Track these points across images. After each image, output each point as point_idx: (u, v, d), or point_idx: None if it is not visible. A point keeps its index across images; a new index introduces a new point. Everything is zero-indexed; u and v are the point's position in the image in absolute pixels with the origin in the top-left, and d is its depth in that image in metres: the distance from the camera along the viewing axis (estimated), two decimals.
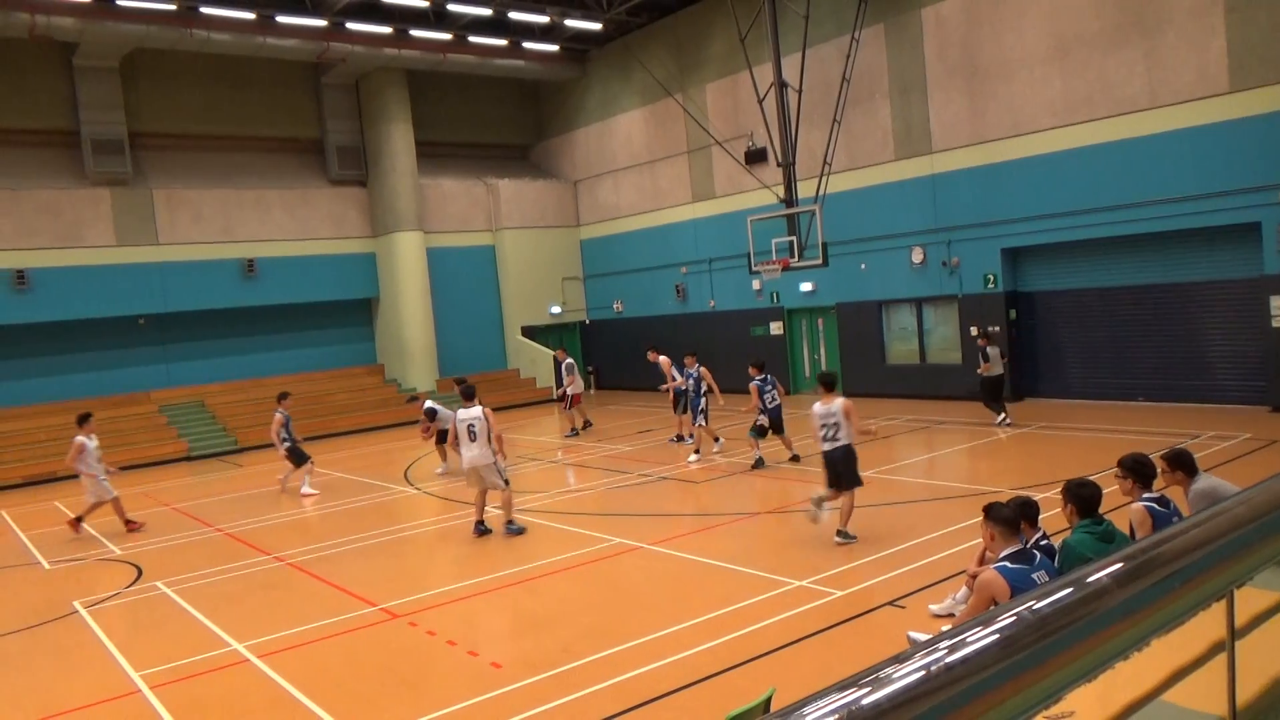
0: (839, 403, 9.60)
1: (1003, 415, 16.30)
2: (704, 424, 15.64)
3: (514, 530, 11.23)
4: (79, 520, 13.55)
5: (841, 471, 9.55)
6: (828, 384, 9.96)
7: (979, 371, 16.50)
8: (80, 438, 13.23)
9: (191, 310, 23.88)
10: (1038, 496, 6.40)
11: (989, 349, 16.35)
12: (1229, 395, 16.04)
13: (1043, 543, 5.90)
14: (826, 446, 9.56)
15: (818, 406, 9.70)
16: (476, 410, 11.16)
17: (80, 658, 8.16)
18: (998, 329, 18.26)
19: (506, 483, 11.35)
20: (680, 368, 16.63)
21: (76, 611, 9.53)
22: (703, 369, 15.83)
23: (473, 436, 11.03)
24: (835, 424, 9.50)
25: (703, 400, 15.62)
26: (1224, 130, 15.30)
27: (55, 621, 9.28)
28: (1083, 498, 5.60)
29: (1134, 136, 16.40)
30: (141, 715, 6.75)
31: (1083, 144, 17.08)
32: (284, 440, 15.42)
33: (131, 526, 13.48)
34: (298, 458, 15.44)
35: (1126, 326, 17.45)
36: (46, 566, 11.94)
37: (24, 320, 21.60)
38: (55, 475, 19.94)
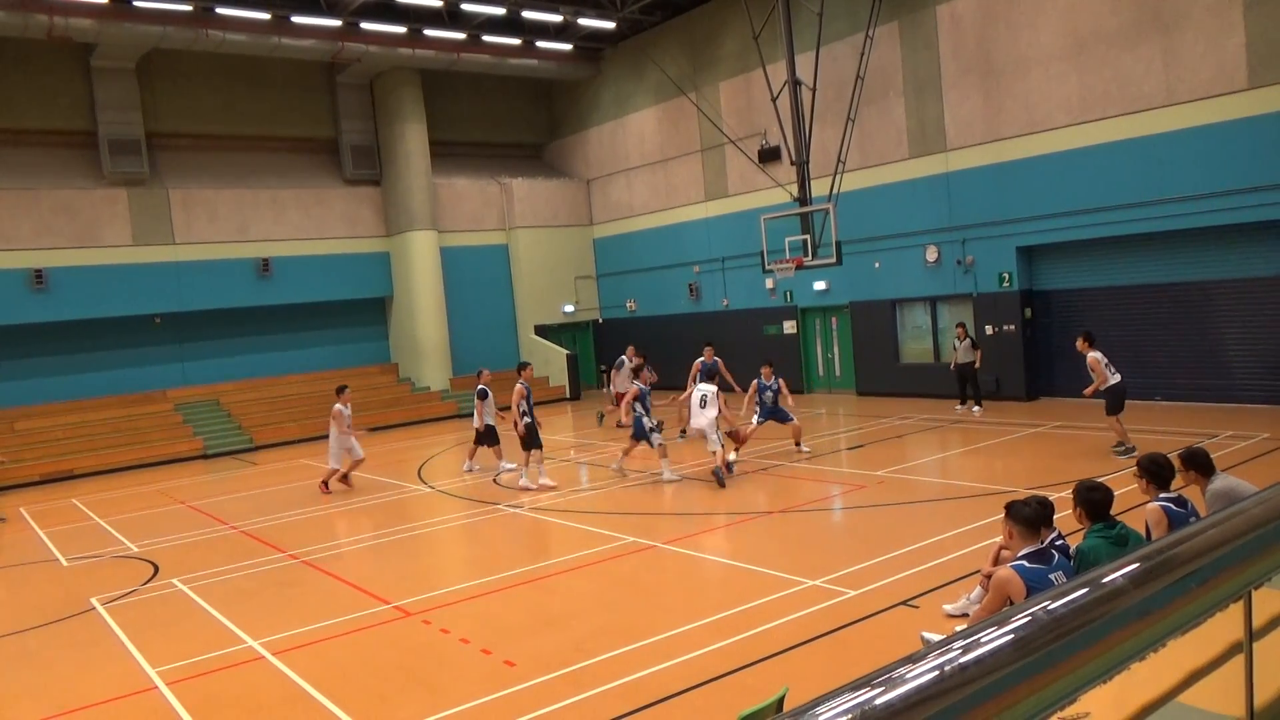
0: (1097, 353, 13.12)
1: (965, 405, 18.05)
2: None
3: (720, 476, 13.05)
4: (345, 477, 15.33)
5: (1114, 404, 12.98)
6: (1089, 339, 13.35)
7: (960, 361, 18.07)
8: (339, 405, 14.93)
9: (207, 309, 24.03)
10: (1053, 496, 6.35)
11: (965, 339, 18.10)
12: (1247, 394, 15.91)
13: (1058, 543, 5.85)
14: (1114, 379, 12.99)
15: (1099, 353, 13.10)
16: (711, 387, 13.70)
17: (97, 654, 8.22)
18: (964, 324, 18.75)
19: (723, 442, 13.49)
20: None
21: (94, 608, 9.61)
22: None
23: (703, 405, 13.50)
24: (1107, 364, 13.12)
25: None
26: (1242, 127, 15.16)
27: (73, 618, 9.36)
28: (1092, 501, 5.47)
29: (1151, 134, 16.28)
30: (158, 711, 6.80)
31: (1099, 141, 16.96)
32: (524, 415, 14.07)
33: (345, 483, 15.28)
34: (530, 440, 14.14)
35: (1143, 325, 17.32)
36: (64, 563, 12.05)
37: (42, 319, 21.79)
38: (73, 473, 20.14)
